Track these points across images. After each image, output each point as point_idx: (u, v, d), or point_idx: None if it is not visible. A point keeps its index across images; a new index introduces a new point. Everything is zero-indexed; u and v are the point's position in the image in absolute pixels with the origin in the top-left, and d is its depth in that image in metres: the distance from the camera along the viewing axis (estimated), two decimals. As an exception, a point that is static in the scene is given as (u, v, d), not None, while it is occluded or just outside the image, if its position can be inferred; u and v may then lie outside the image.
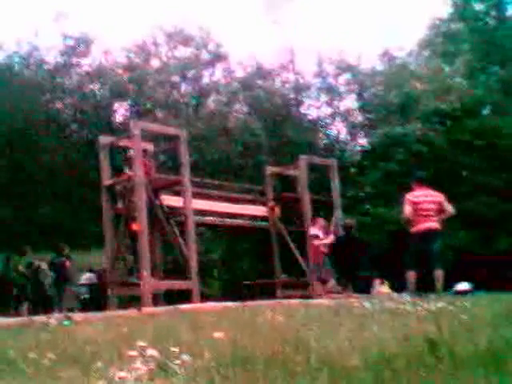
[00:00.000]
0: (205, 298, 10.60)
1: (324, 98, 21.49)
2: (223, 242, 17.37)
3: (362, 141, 21.57)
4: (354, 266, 9.77)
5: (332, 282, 10.07)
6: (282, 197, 12.67)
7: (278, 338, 2.49)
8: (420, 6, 41.04)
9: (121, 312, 6.34)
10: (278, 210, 12.32)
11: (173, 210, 9.99)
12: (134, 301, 10.47)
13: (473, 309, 3.88)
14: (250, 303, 6.49)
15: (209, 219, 11.32)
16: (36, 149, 16.90)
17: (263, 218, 12.30)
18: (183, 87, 20.32)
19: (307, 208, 12.07)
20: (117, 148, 10.02)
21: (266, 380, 1.91)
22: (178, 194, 9.96)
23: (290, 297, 9.21)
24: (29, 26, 19.47)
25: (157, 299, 9.19)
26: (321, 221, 10.63)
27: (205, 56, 20.51)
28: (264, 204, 12.26)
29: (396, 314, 3.80)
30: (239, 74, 20.77)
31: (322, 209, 13.16)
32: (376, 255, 11.06)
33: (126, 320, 4.66)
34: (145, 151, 9.81)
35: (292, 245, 12.10)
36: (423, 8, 40.37)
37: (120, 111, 19.47)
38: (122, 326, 3.88)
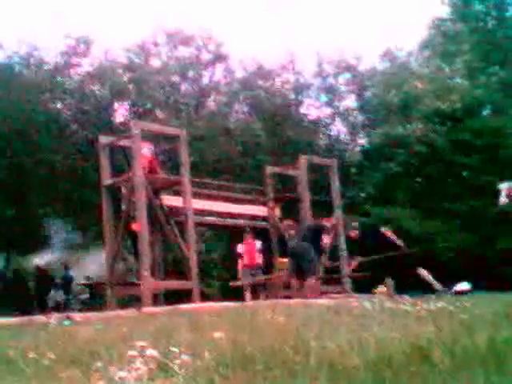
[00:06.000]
0: (205, 298, 10.59)
1: (324, 98, 21.50)
2: (223, 241, 17.36)
3: (362, 141, 21.57)
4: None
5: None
6: (282, 197, 12.67)
7: (278, 337, 2.49)
8: (420, 5, 41.05)
9: (121, 312, 6.34)
10: (278, 210, 12.31)
11: (173, 210, 9.98)
12: (133, 301, 10.48)
13: (473, 309, 3.88)
14: (249, 303, 6.50)
15: (209, 219, 11.31)
16: (36, 149, 16.88)
17: (263, 218, 12.29)
18: (183, 87, 20.29)
19: (307, 208, 12.07)
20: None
21: (266, 380, 1.91)
22: (178, 193, 9.96)
23: (290, 297, 9.20)
24: (29, 26, 19.45)
25: (157, 299, 9.19)
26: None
27: (205, 56, 20.50)
28: (264, 204, 12.25)
29: (396, 314, 3.80)
30: (239, 74, 20.77)
31: (322, 209, 13.16)
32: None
33: (126, 320, 4.66)
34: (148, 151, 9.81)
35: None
36: (423, 8, 40.37)
37: (120, 111, 19.47)
38: (122, 325, 3.87)
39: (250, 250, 11.09)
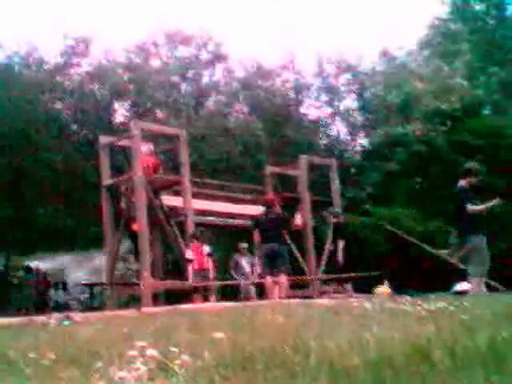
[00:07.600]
0: (205, 298, 10.58)
1: (324, 97, 21.49)
2: (223, 241, 17.35)
3: (362, 141, 21.57)
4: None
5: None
6: (282, 197, 12.67)
7: (277, 338, 2.49)
8: (420, 5, 41.07)
9: (121, 312, 6.34)
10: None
11: (173, 210, 9.98)
12: (133, 301, 10.48)
13: (473, 309, 3.88)
14: (249, 303, 6.50)
15: (209, 219, 11.31)
16: (36, 149, 16.88)
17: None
18: (183, 87, 20.29)
19: (307, 208, 12.08)
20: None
21: (266, 380, 1.91)
22: (178, 194, 9.96)
23: (290, 297, 9.21)
24: (29, 26, 19.45)
25: (157, 299, 9.19)
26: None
27: (205, 56, 20.50)
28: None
29: (396, 314, 3.79)
30: (239, 74, 20.77)
31: (322, 209, 13.16)
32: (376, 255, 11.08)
33: (126, 320, 4.66)
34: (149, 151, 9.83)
35: (292, 245, 12.09)
36: (423, 8, 40.40)
37: (120, 111, 19.47)
38: (122, 326, 3.87)
39: (198, 255, 10.23)
